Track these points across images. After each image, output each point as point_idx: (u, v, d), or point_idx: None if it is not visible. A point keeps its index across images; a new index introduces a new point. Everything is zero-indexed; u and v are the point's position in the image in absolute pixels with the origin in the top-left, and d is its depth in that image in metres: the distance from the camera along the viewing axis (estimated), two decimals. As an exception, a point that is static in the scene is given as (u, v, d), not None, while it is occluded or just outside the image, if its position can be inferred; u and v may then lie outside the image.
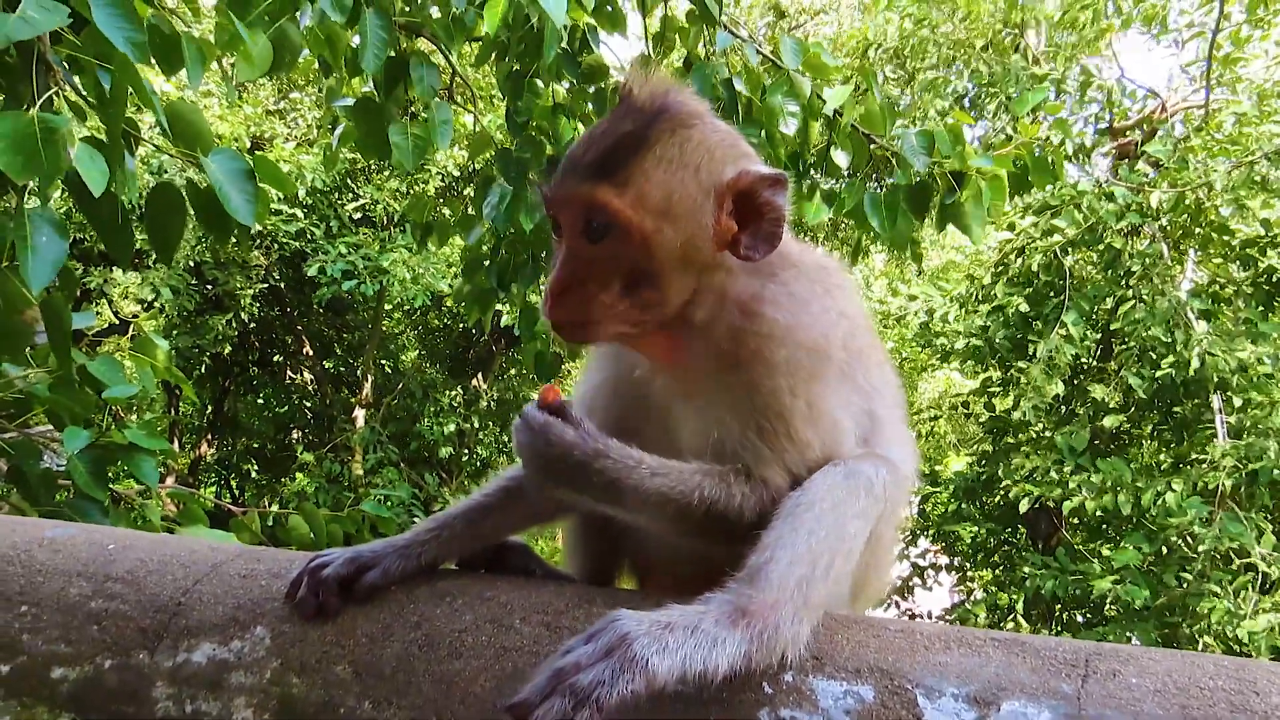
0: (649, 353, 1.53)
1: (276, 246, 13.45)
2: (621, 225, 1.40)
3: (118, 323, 12.79)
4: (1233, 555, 8.87)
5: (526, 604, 1.39)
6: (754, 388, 1.41)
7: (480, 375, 17.20)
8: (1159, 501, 9.17)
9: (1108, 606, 10.30)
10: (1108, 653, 1.20)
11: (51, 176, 2.17)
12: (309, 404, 17.44)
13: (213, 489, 17.35)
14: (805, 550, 1.27)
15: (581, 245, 1.44)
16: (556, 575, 1.73)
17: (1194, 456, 9.89)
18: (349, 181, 13.71)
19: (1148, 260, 9.71)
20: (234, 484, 18.24)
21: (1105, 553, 10.91)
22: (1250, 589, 8.60)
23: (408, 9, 4.11)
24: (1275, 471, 8.63)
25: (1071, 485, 9.80)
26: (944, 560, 13.46)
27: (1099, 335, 10.81)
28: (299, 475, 15.35)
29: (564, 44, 4.08)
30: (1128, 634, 9.55)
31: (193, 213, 2.70)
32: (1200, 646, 9.09)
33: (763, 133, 4.23)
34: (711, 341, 1.44)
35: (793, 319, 1.43)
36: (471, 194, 5.00)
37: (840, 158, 4.53)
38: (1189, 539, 9.09)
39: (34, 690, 1.42)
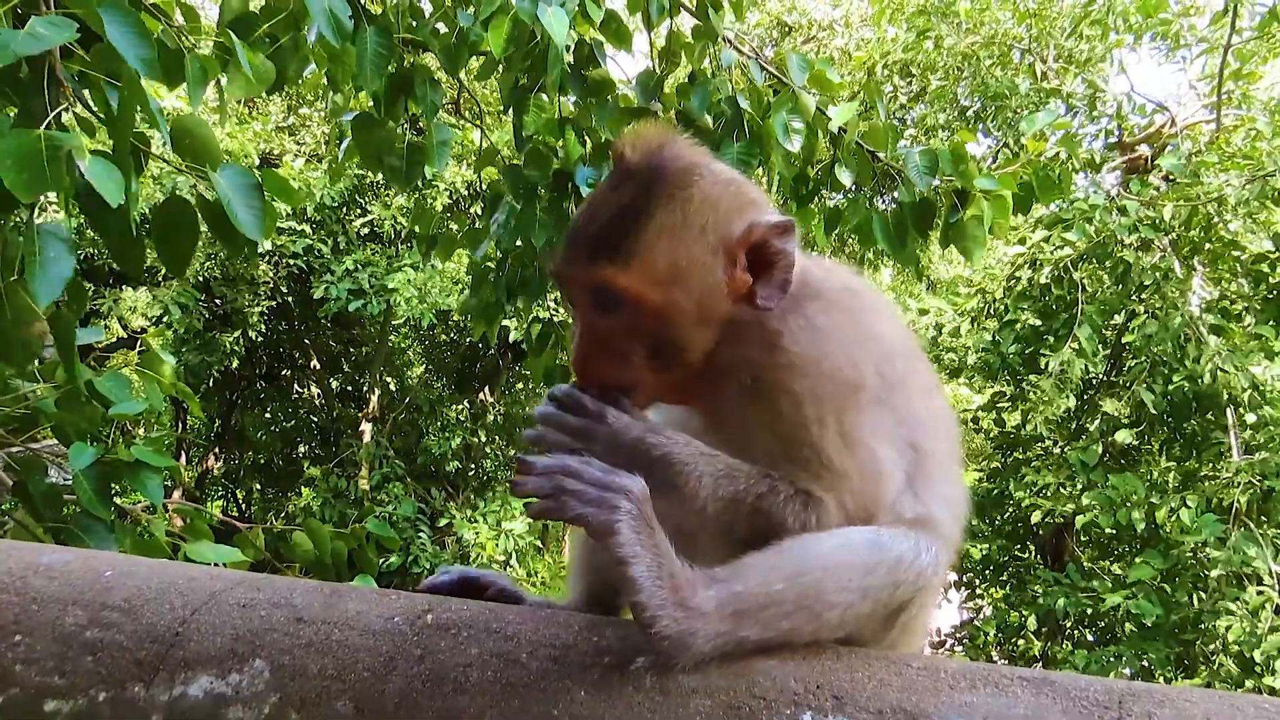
0: (678, 397, 1.54)
1: (284, 263, 13.49)
2: (631, 301, 1.39)
3: (126, 337, 12.82)
4: (1245, 579, 8.75)
5: (534, 637, 1.34)
6: (779, 420, 1.37)
7: (487, 390, 17.20)
8: (1173, 518, 9.06)
9: (1120, 625, 10.18)
10: (1141, 693, 1.15)
11: (56, 192, 2.16)
12: (315, 419, 17.46)
13: (219, 503, 17.35)
14: (759, 587, 1.25)
15: (596, 319, 1.43)
16: (543, 604, 1.69)
17: (1205, 473, 9.78)
18: (357, 197, 13.76)
19: (1159, 274, 9.65)
20: (240, 498, 18.23)
21: (1116, 570, 10.80)
22: (1266, 608, 8.47)
23: (414, 23, 4.10)
24: (1291, 488, 8.53)
25: (1085, 501, 9.71)
26: (953, 577, 13.32)
27: (1108, 350, 10.73)
28: (305, 490, 15.33)
29: (569, 59, 4.07)
30: (1141, 652, 9.43)
31: (204, 227, 2.69)
32: (1216, 667, 8.96)
33: (763, 151, 4.21)
34: (735, 379, 1.41)
35: (816, 349, 1.38)
36: (479, 210, 4.99)
37: (844, 175, 4.51)
38: (1203, 557, 8.98)
39: (26, 724, 1.38)
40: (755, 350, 1.40)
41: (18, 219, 2.46)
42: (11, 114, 2.42)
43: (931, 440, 1.48)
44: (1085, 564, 10.93)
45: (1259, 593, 8.51)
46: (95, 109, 2.60)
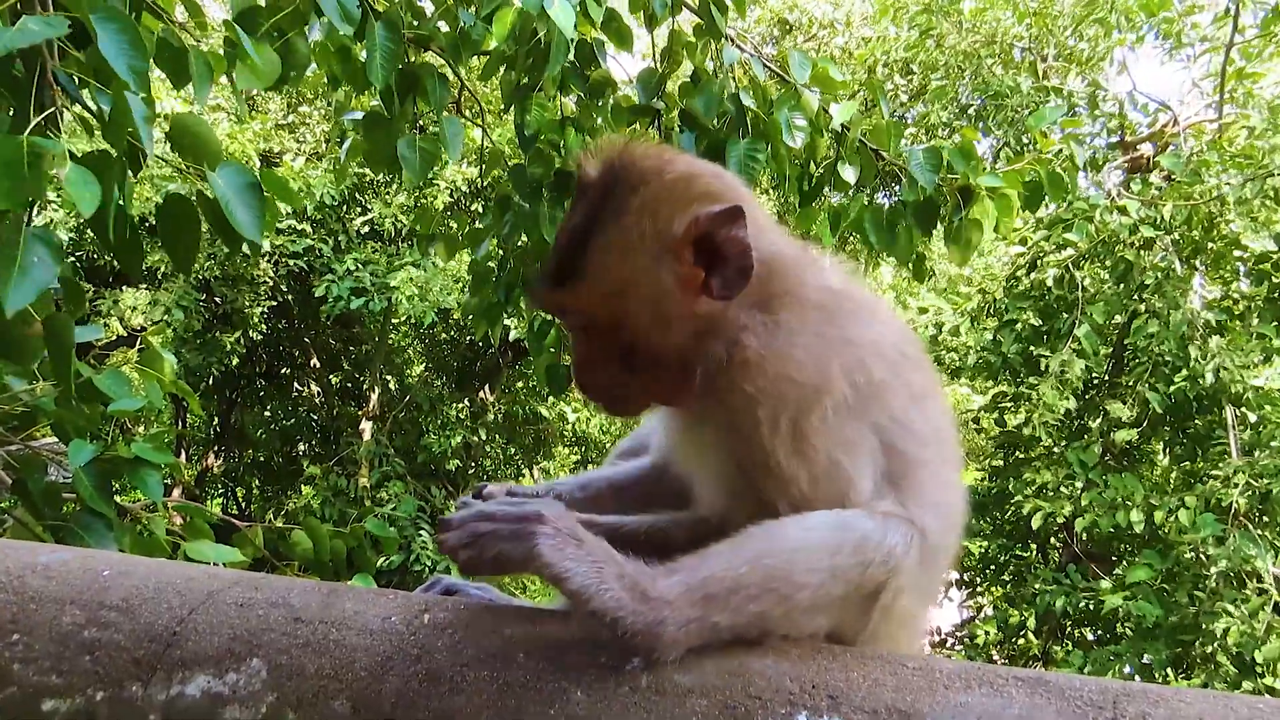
0: (673, 401, 1.57)
1: (284, 262, 13.49)
2: (587, 318, 1.48)
3: (126, 335, 12.83)
4: (1245, 577, 8.74)
5: (531, 638, 1.34)
6: (734, 422, 1.37)
7: (487, 388, 17.19)
8: (1172, 518, 9.06)
9: (1120, 625, 10.18)
10: (1136, 693, 1.15)
11: (36, 199, 2.14)
12: (315, 417, 17.46)
13: (219, 501, 17.36)
14: (725, 571, 1.26)
15: (578, 335, 1.52)
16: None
17: (1208, 473, 9.77)
18: (357, 196, 13.76)
19: (1160, 274, 9.64)
20: (240, 496, 18.24)
21: (1116, 571, 10.80)
22: (1265, 610, 8.47)
23: (416, 23, 4.10)
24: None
25: (1084, 501, 9.70)
26: (953, 575, 13.32)
27: (1109, 350, 10.72)
28: (305, 488, 15.33)
29: (571, 57, 4.07)
30: (1140, 652, 9.43)
31: (205, 225, 2.68)
32: (1214, 667, 8.96)
33: (769, 148, 4.20)
34: (702, 377, 1.42)
35: (776, 349, 1.37)
36: (480, 209, 5.00)
37: (848, 173, 4.50)
38: (1203, 557, 8.97)
39: (24, 722, 1.38)
40: (719, 349, 1.41)
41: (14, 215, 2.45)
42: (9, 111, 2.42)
43: (920, 447, 1.45)
44: (1087, 564, 10.93)
45: (1259, 593, 8.50)
46: (92, 110, 2.59)
